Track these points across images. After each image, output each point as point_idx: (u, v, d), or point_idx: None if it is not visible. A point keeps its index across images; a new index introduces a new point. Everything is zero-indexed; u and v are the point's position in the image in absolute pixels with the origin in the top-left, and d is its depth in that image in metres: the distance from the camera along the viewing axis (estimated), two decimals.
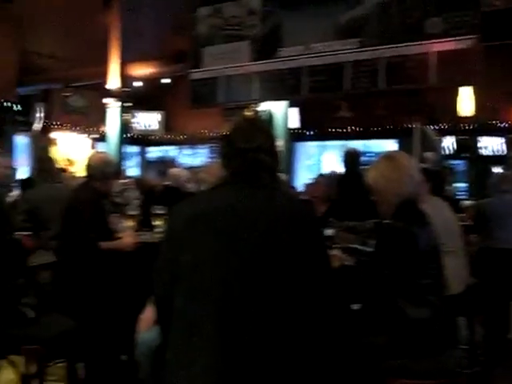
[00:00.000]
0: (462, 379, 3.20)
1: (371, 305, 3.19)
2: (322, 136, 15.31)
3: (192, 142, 18.35)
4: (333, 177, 6.54)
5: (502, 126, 12.92)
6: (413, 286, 2.99)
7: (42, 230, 4.76)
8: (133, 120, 16.52)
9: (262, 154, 2.23)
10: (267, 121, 7.62)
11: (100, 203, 4.48)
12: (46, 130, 15.77)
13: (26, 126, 15.08)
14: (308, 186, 6.62)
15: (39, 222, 5.24)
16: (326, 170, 14.62)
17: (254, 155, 2.22)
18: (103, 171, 4.49)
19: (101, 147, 15.36)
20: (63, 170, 8.68)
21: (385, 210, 3.24)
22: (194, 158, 18.63)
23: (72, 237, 4.23)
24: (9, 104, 13.84)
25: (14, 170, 5.95)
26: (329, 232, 4.24)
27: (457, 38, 6.82)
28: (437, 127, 12.81)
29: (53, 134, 16.01)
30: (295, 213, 2.20)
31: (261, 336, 2.02)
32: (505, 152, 13.13)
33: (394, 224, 3.13)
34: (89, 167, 4.55)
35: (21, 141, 15.12)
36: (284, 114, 9.82)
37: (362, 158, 6.69)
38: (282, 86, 8.25)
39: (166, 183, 7.79)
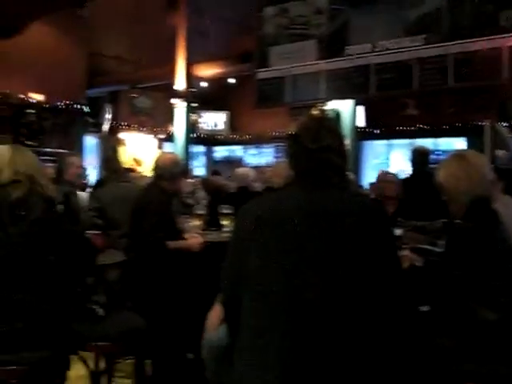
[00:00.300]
0: None
1: (441, 307, 3.11)
2: (390, 134, 15.13)
3: (257, 141, 18.41)
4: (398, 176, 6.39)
5: None
6: (484, 288, 2.91)
7: (110, 229, 4.84)
8: (199, 120, 16.69)
9: (330, 153, 2.20)
10: (335, 120, 7.51)
11: (168, 203, 4.52)
12: (113, 130, 16.10)
13: (94, 127, 15.42)
14: (375, 185, 6.51)
15: (108, 221, 5.34)
16: (394, 168, 14.48)
17: (322, 155, 2.19)
18: (171, 171, 4.53)
19: (168, 147, 15.59)
20: (131, 170, 8.83)
21: (455, 210, 3.16)
22: (259, 157, 18.69)
23: (140, 236, 4.28)
24: (78, 106, 14.17)
25: (84, 169, 6.09)
26: (397, 232, 4.15)
27: None
28: (509, 124, 12.45)
29: (120, 135, 16.34)
30: (364, 213, 2.15)
31: (330, 338, 1.99)
32: None
33: (465, 224, 3.05)
34: (157, 167, 4.59)
35: (90, 142, 15.46)
36: (351, 113, 9.73)
37: (431, 157, 6.54)
38: (349, 85, 8.17)
39: (234, 183, 7.82)
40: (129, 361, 3.92)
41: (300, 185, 2.21)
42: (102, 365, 3.57)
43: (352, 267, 2.05)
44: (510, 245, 3.10)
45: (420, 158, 6.39)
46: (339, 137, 2.28)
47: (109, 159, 6.01)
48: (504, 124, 11.56)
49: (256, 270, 2.09)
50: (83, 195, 5.98)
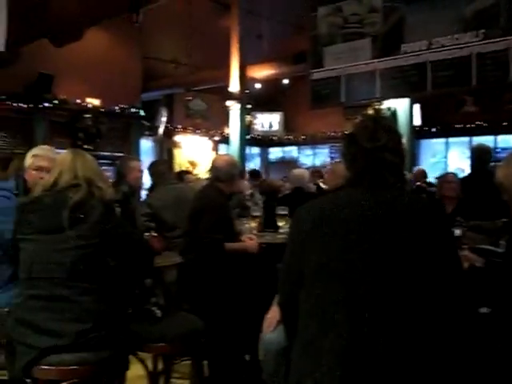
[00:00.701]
0: None
1: (502, 309, 3.04)
2: (447, 132, 14.90)
3: (312, 141, 18.37)
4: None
5: None
6: None
7: (164, 231, 4.88)
8: (253, 121, 16.75)
9: (387, 153, 2.18)
10: (391, 119, 7.42)
11: (225, 205, 4.53)
12: (169, 133, 16.29)
13: (150, 131, 15.63)
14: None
15: (160, 223, 5.39)
16: (452, 167, 14.25)
17: (378, 155, 2.18)
18: (228, 173, 4.54)
19: (223, 149, 15.71)
20: (187, 173, 8.90)
21: None
22: (314, 158, 18.64)
23: (198, 238, 4.30)
24: (134, 110, 14.39)
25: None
26: (457, 232, 4.07)
27: None
28: None
29: (176, 138, 16.52)
30: (421, 213, 2.13)
31: (390, 338, 1.97)
32: None
33: None
34: (214, 169, 4.61)
35: (145, 145, 15.68)
36: (407, 111, 9.62)
37: (492, 155, 6.40)
38: (405, 83, 8.05)
39: (288, 184, 7.80)
40: (186, 362, 3.93)
41: (357, 185, 2.20)
42: (160, 365, 3.59)
43: (411, 267, 2.03)
44: None
45: (480, 155, 6.27)
46: (396, 136, 2.26)
47: (156, 162, 6.10)
48: None
49: (315, 271, 2.08)
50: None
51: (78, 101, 13.32)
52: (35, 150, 3.86)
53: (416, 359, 1.98)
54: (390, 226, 2.06)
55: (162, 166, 6.03)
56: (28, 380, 2.76)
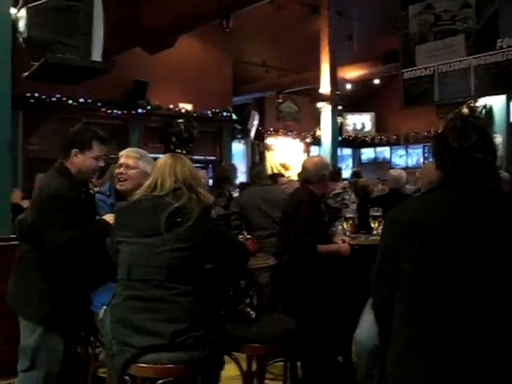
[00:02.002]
0: None
1: None
2: None
3: (404, 141, 18.08)
4: None
5: None
6: None
7: (250, 231, 4.94)
8: (345, 122, 16.66)
9: (478, 152, 2.14)
10: (483, 116, 7.21)
11: (317, 206, 4.53)
12: (260, 136, 16.42)
13: (242, 134, 15.80)
14: None
15: (246, 222, 5.47)
16: None
17: (468, 154, 2.14)
18: (319, 174, 4.54)
19: (315, 151, 15.69)
20: (280, 175, 8.95)
21: None
22: (407, 158, 18.33)
23: (291, 240, 4.32)
24: (226, 114, 14.59)
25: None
26: None
27: None
28: None
29: (267, 140, 16.63)
30: (509, 214, 2.07)
31: (484, 343, 1.94)
32: None
33: None
34: (304, 171, 4.62)
35: (237, 148, 15.86)
36: (504, 108, 9.32)
37: None
38: (501, 79, 7.79)
39: (380, 185, 7.72)
40: (278, 363, 3.95)
41: (447, 186, 2.18)
42: (254, 366, 3.63)
43: (504, 271, 1.98)
44: None
45: None
46: (486, 134, 2.22)
47: (253, 164, 6.21)
48: None
49: (409, 275, 2.07)
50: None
51: (171, 106, 13.64)
52: (122, 151, 3.97)
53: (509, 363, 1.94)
54: (483, 229, 2.02)
55: (260, 167, 6.13)
56: (126, 377, 2.85)
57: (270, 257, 4.14)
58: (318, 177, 4.54)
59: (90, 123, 10.80)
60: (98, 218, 3.60)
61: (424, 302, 2.01)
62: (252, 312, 3.42)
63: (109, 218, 3.45)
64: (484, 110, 9.34)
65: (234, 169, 6.20)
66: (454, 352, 1.94)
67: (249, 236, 4.03)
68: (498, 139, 9.34)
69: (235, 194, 6.80)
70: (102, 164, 3.72)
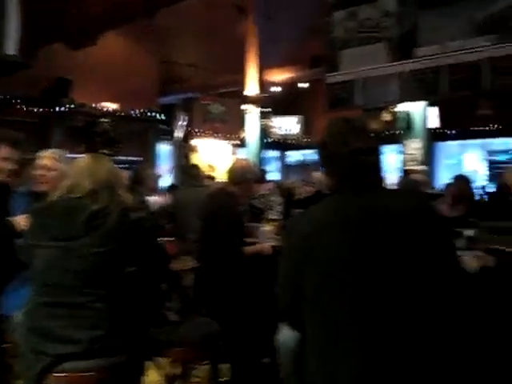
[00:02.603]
0: None
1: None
2: (463, 135, 14.86)
3: None
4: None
5: None
6: None
7: (183, 235, 4.93)
8: (272, 125, 16.75)
9: (363, 155, 2.16)
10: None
11: (236, 208, 4.56)
12: (187, 137, 16.33)
13: (168, 135, 15.67)
14: (448, 186, 6.44)
15: (179, 226, 5.45)
16: (468, 169, 14.24)
17: (354, 158, 2.15)
18: (244, 176, 4.58)
19: (241, 153, 15.73)
20: (208, 177, 8.95)
21: None
22: None
23: (215, 243, 4.33)
24: (152, 114, 14.45)
25: (158, 177, 6.23)
26: (470, 233, 4.10)
27: None
28: None
29: (194, 142, 16.56)
30: (416, 214, 2.12)
31: (398, 341, 2.00)
32: None
33: None
34: (231, 172, 4.65)
35: (163, 149, 15.73)
36: (422, 114, 9.61)
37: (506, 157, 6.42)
38: (420, 86, 8.07)
39: (305, 187, 7.81)
40: (204, 366, 3.96)
41: (341, 193, 2.17)
42: (178, 370, 3.63)
43: (407, 266, 2.03)
44: None
45: None
46: (369, 135, 2.23)
47: (181, 166, 6.19)
48: None
49: (317, 283, 2.08)
50: (154, 199, 6.13)
51: (95, 105, 13.40)
52: (41, 152, 3.88)
53: (425, 360, 2.01)
54: (384, 230, 2.05)
55: (194, 169, 6.10)
56: None
57: (193, 259, 4.14)
58: (242, 179, 4.58)
59: (7, 120, 10.50)
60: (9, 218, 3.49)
61: (334, 307, 2.04)
62: (174, 316, 3.41)
63: (21, 220, 3.35)
64: (404, 116, 9.60)
65: (148, 171, 6.09)
66: (372, 351, 1.98)
67: (170, 239, 4.02)
68: (417, 144, 9.61)
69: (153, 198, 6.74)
70: (12, 166, 3.61)
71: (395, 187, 9.53)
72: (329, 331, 2.05)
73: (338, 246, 2.06)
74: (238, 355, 4.27)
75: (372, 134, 2.27)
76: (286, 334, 3.67)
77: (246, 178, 4.60)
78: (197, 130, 16.73)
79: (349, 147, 2.16)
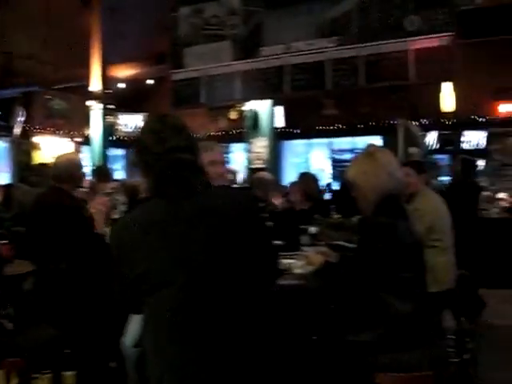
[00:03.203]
0: (450, 368, 3.23)
1: (356, 301, 3.17)
2: (308, 134, 15.37)
3: None
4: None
5: (483, 120, 13.19)
6: (396, 280, 2.98)
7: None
8: (117, 122, 16.43)
9: (180, 153, 2.11)
10: (250, 120, 7.57)
11: (72, 206, 4.33)
12: (27, 134, 15.62)
13: (6, 131, 14.93)
14: (291, 184, 6.61)
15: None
16: (314, 167, 14.75)
17: (172, 157, 2.10)
18: (69, 172, 4.31)
19: (85, 151, 15.29)
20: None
21: (364, 207, 3.22)
22: None
23: (56, 245, 4.12)
24: None
25: None
26: (312, 229, 4.21)
27: (434, 35, 6.86)
28: (420, 123, 12.92)
29: (35, 138, 15.88)
30: (227, 211, 2.13)
31: (216, 335, 2.01)
32: (486, 146, 13.38)
33: (376, 218, 3.11)
34: (55, 168, 4.35)
35: (0, 146, 14.99)
36: (269, 113, 9.78)
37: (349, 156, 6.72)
38: (265, 85, 8.23)
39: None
40: (46, 375, 3.77)
41: (162, 194, 2.12)
42: (15, 381, 3.43)
43: (227, 257, 2.06)
44: (419, 239, 3.22)
45: None
46: (185, 132, 2.18)
47: (19, 164, 5.91)
48: (415, 123, 11.99)
49: (143, 289, 2.06)
50: None
51: None
52: None
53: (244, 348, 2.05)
54: (204, 231, 2.05)
55: (42, 168, 5.81)
56: None
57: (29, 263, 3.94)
58: (67, 175, 4.31)
59: None
60: None
61: (159, 309, 2.04)
62: (9, 324, 3.23)
63: None
64: (251, 114, 9.72)
65: None
66: (199, 347, 1.99)
67: (4, 241, 3.80)
68: (264, 143, 9.79)
69: None
70: None
71: (244, 185, 9.77)
72: (160, 330, 2.04)
73: (158, 248, 2.03)
74: (83, 361, 4.12)
75: (189, 132, 2.21)
76: (130, 338, 3.61)
77: (71, 173, 4.33)
78: (37, 127, 16.05)
79: (165, 145, 2.10)
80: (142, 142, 2.15)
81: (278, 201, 6.92)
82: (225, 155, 3.54)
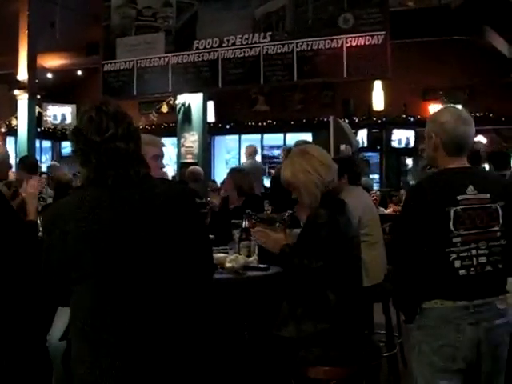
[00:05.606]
0: (379, 362, 3.28)
1: (295, 295, 3.19)
2: (240, 129, 15.41)
3: None
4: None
5: (411, 119, 13.56)
6: (333, 274, 3.02)
7: None
8: (45, 113, 16.03)
9: (119, 142, 2.09)
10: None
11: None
12: None
13: None
14: (225, 179, 6.63)
15: None
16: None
17: (110, 145, 2.08)
18: None
19: (11, 142, 14.86)
20: None
21: (309, 203, 3.24)
22: None
23: None
24: None
25: None
26: (245, 224, 4.23)
27: (367, 33, 6.94)
28: (351, 120, 13.16)
29: None
30: (160, 195, 2.14)
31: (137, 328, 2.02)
32: (414, 144, 13.75)
33: (319, 212, 3.13)
34: None
35: None
36: (201, 107, 9.73)
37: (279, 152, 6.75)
38: (198, 79, 8.17)
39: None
40: None
41: (100, 184, 2.10)
42: None
43: (155, 249, 2.06)
44: (356, 234, 3.26)
45: None
46: (125, 121, 2.15)
47: None
48: (346, 120, 12.19)
49: (70, 277, 2.07)
50: None
51: None
52: None
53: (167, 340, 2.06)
54: (134, 217, 2.06)
55: None
56: None
57: None
58: None
59: None
60: None
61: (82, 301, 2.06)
62: None
63: None
64: (182, 108, 9.65)
65: None
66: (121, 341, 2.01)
67: None
68: (195, 137, 9.73)
69: None
70: None
71: (174, 179, 9.69)
72: (85, 317, 2.05)
73: (90, 235, 2.03)
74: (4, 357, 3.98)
75: (130, 121, 2.18)
76: (56, 334, 3.51)
77: None
78: None
79: (106, 133, 2.08)
80: (79, 131, 2.11)
81: (217, 200, 6.93)
82: None
